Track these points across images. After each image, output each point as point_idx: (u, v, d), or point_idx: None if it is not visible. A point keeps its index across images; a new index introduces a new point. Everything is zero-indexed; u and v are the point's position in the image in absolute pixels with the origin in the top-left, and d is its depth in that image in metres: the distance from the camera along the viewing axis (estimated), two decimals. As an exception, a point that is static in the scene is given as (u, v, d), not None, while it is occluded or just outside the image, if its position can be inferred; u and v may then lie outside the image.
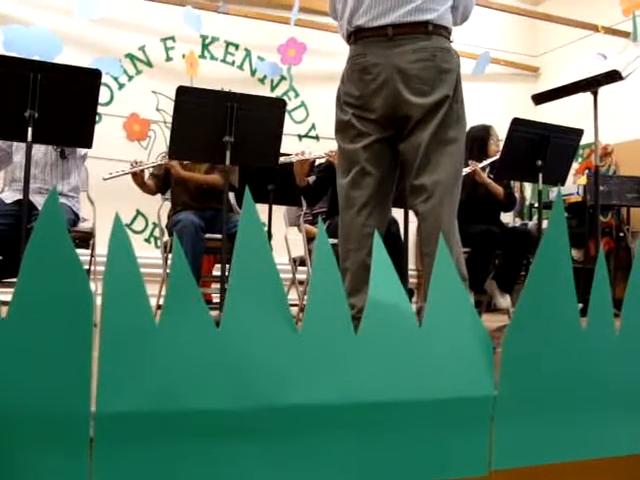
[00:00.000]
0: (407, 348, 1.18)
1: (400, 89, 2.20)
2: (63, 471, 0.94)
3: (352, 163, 2.30)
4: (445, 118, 2.20)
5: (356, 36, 2.28)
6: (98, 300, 1.01)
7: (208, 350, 1.03)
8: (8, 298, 0.97)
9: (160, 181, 3.95)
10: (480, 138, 3.96)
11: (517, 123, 3.41)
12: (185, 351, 1.01)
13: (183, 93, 2.89)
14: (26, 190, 2.67)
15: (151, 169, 3.97)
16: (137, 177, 3.78)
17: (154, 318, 1.02)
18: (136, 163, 3.77)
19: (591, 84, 3.15)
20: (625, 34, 5.81)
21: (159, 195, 4.06)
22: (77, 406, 0.95)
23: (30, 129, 2.58)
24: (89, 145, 2.80)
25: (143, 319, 1.00)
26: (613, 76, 3.04)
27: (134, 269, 1.00)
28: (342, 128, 2.33)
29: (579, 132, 3.57)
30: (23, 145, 3.37)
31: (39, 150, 3.40)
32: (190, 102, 2.89)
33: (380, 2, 2.22)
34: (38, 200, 3.28)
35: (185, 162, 3.83)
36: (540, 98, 3.45)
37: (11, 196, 3.39)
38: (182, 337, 1.01)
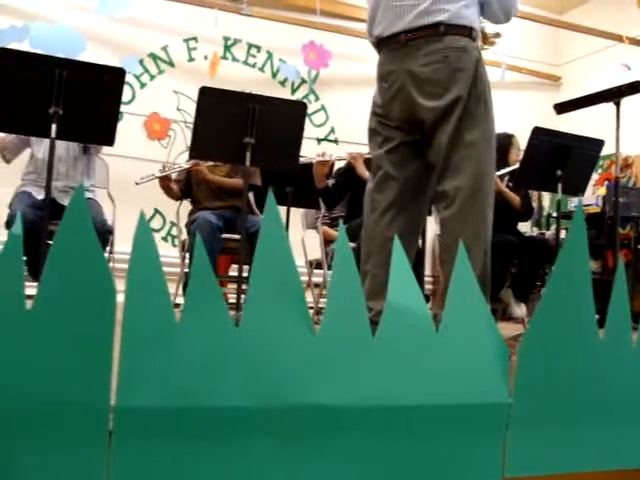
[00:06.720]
0: (424, 353, 1.18)
1: (413, 94, 2.20)
2: (82, 463, 0.96)
3: (377, 168, 2.33)
4: (461, 120, 2.17)
5: (379, 46, 2.33)
6: (118, 297, 1.02)
7: (227, 348, 1.04)
8: (34, 292, 0.99)
9: (184, 185, 3.95)
10: (501, 146, 3.92)
11: (538, 132, 3.39)
12: (205, 348, 1.02)
13: (205, 93, 2.91)
14: (48, 187, 2.68)
15: (175, 174, 3.96)
16: (163, 181, 3.78)
17: (175, 315, 1.03)
18: (166, 167, 3.78)
19: (614, 95, 3.13)
20: (651, 45, 5.78)
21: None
22: (97, 399, 0.97)
23: (54, 125, 2.60)
24: (111, 143, 2.81)
25: (164, 316, 1.01)
26: (637, 87, 3.02)
27: (157, 267, 1.01)
28: (371, 135, 2.38)
29: (600, 143, 3.54)
30: (41, 141, 3.40)
31: (60, 146, 3.38)
32: (212, 102, 2.91)
33: (389, 10, 2.24)
34: (66, 202, 3.26)
35: (207, 165, 3.84)
36: (562, 107, 3.43)
37: (40, 192, 3.34)
38: (202, 335, 1.03)
